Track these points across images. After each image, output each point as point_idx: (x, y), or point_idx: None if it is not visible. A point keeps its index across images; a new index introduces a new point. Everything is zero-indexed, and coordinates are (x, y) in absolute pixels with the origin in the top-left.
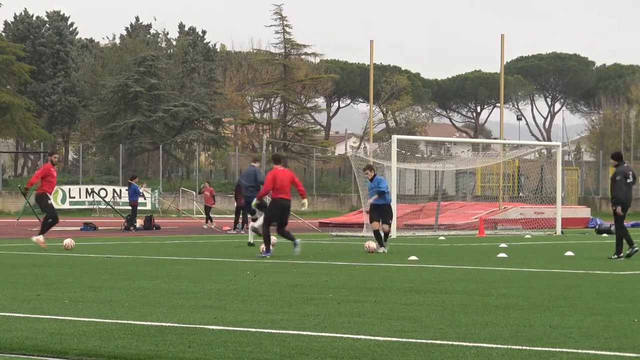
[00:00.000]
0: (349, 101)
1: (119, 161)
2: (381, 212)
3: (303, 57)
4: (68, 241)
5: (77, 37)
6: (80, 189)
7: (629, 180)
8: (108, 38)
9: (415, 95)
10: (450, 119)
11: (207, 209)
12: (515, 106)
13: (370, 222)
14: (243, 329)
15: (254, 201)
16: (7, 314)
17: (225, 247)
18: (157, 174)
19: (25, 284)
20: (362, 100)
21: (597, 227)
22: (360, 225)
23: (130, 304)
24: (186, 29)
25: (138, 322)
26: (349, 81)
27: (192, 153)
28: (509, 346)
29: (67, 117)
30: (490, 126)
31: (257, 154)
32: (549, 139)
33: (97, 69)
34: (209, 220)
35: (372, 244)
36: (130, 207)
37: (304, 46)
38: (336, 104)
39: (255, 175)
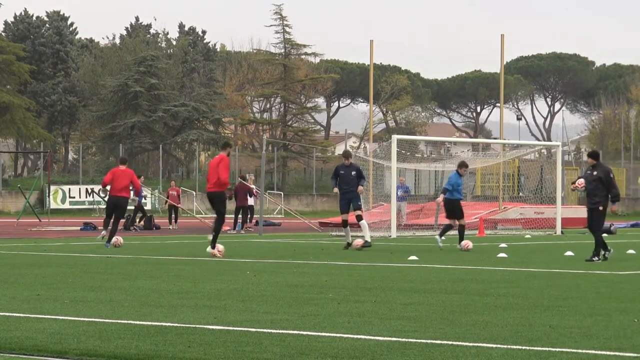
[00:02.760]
0: (348, 101)
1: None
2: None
3: (303, 57)
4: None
5: (77, 37)
6: (80, 188)
7: None
8: (108, 38)
9: (415, 95)
10: (450, 119)
11: (172, 209)
12: (515, 106)
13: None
14: (243, 328)
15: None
16: (7, 314)
17: (225, 246)
18: (157, 174)
19: (25, 284)
20: (362, 100)
21: None
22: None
23: (130, 304)
24: (186, 29)
25: (138, 322)
26: (348, 81)
27: (192, 153)
28: (509, 346)
29: (67, 117)
30: (490, 126)
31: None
32: (549, 139)
33: (97, 69)
34: (173, 221)
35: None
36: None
37: (304, 46)
38: (336, 104)
39: None
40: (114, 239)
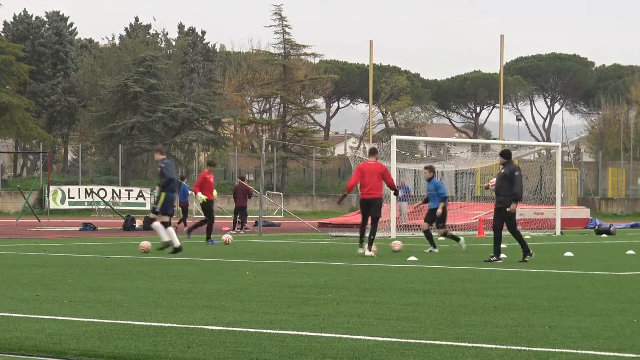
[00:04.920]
0: (348, 102)
1: (118, 162)
2: (434, 216)
3: (303, 57)
4: (227, 237)
5: (77, 37)
6: (79, 189)
7: None
8: (108, 38)
9: (414, 96)
10: (450, 120)
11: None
12: (515, 107)
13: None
14: (242, 329)
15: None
16: (7, 314)
17: (225, 247)
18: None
19: (24, 284)
20: (361, 101)
21: (596, 227)
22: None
23: (129, 304)
24: (186, 29)
25: (137, 323)
26: (348, 82)
27: (192, 154)
28: (509, 347)
29: (66, 117)
30: (489, 127)
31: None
32: (549, 140)
33: (96, 69)
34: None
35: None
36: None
37: (304, 47)
38: (336, 104)
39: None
40: (224, 237)
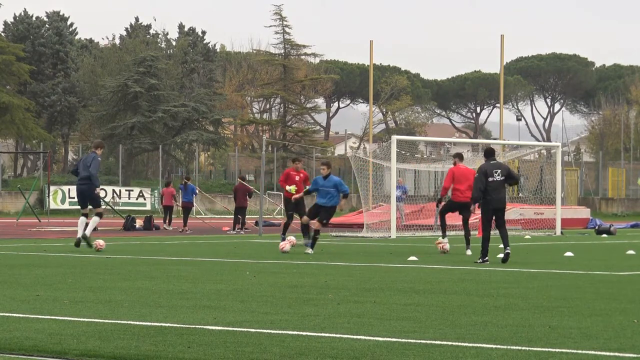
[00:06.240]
0: (348, 101)
1: (118, 161)
2: (322, 211)
3: (303, 57)
4: (285, 244)
5: (77, 37)
6: None
7: (490, 179)
8: (108, 38)
9: (414, 96)
10: (450, 120)
11: (167, 209)
12: (515, 107)
13: (307, 216)
14: (243, 329)
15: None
16: (7, 314)
17: (225, 247)
18: (157, 174)
19: (24, 284)
20: (361, 101)
21: (596, 227)
22: (360, 226)
23: (129, 304)
24: (186, 29)
25: (138, 323)
26: (348, 81)
27: (192, 153)
28: (509, 347)
29: (66, 117)
30: (489, 127)
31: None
32: (549, 140)
33: (96, 69)
34: (167, 222)
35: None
36: (182, 208)
37: (304, 46)
38: (336, 104)
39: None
40: (283, 244)
